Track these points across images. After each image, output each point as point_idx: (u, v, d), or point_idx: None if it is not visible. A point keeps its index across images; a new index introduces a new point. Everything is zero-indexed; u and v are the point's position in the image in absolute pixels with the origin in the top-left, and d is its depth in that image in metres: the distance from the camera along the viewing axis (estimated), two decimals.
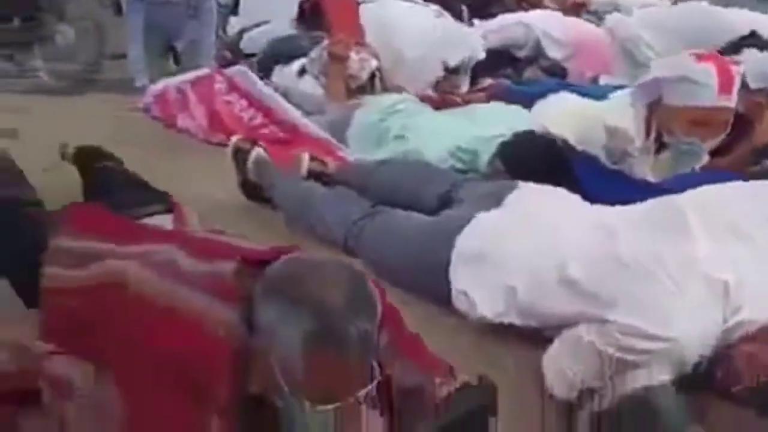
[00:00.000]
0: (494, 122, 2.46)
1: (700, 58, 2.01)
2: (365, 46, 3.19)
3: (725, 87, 1.96)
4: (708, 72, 1.96)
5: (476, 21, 4.07)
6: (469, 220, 1.69)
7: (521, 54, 3.75)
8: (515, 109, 2.60)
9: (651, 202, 1.53)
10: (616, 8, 4.21)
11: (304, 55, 3.38)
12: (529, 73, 3.67)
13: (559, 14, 3.99)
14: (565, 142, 2.18)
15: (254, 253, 1.23)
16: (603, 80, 3.29)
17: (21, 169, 2.08)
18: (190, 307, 1.16)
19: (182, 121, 3.17)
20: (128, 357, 1.18)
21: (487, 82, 3.40)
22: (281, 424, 1.10)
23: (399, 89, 3.05)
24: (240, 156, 2.29)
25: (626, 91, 2.35)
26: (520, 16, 3.97)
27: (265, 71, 3.52)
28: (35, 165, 2.12)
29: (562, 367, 1.37)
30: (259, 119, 2.98)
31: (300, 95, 3.23)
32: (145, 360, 1.15)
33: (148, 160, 2.46)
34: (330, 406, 1.06)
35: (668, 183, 1.98)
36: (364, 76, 3.09)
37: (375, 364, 1.12)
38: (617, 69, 3.37)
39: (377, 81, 3.13)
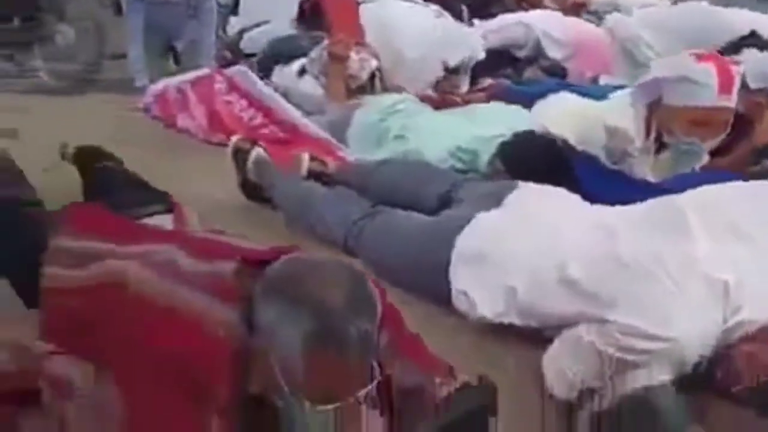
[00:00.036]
0: (494, 122, 2.46)
1: (700, 58, 2.01)
2: (365, 46, 3.19)
3: (725, 87, 1.96)
4: (708, 72, 1.96)
5: (476, 21, 4.07)
6: (469, 220, 1.69)
7: (521, 54, 3.75)
8: (515, 109, 2.60)
9: (651, 202, 1.53)
10: (616, 8, 4.21)
11: (304, 55, 3.38)
12: (529, 73, 3.66)
13: (559, 14, 4.00)
14: (565, 142, 2.18)
15: (254, 253, 1.23)
16: (603, 80, 3.29)
17: (21, 169, 2.09)
18: (190, 307, 1.16)
19: (182, 121, 3.17)
20: (128, 357, 1.18)
21: (487, 82, 3.40)
22: (281, 424, 1.10)
23: (399, 89, 3.05)
24: (240, 156, 2.29)
25: (626, 91, 2.35)
26: (519, 16, 3.97)
27: (265, 71, 3.52)
28: (35, 165, 2.12)
29: (562, 367, 1.37)
30: (259, 119, 2.98)
31: (300, 95, 3.23)
32: (145, 360, 1.15)
33: (148, 160, 2.46)
34: (330, 406, 1.06)
35: (668, 183, 1.98)
36: (364, 76, 3.08)
37: (375, 364, 1.12)
38: (617, 69, 3.37)
39: (377, 81, 3.13)
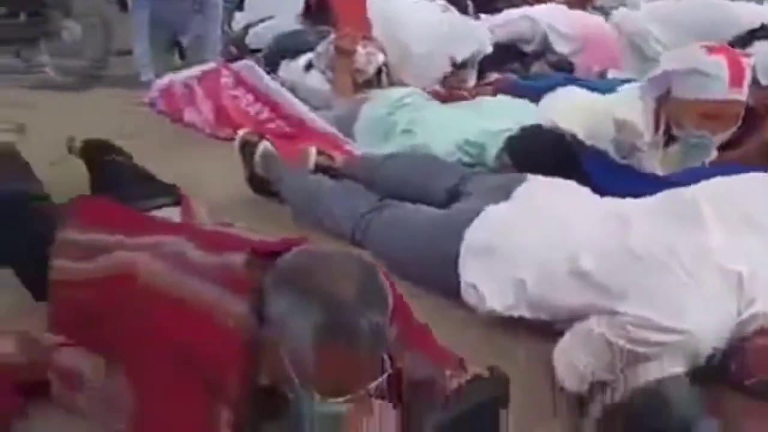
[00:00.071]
0: (502, 116, 2.45)
1: (710, 50, 1.99)
2: (372, 40, 3.17)
3: (736, 80, 1.94)
4: (719, 64, 1.94)
5: (482, 15, 4.05)
6: (478, 213, 1.68)
7: (528, 49, 3.73)
8: (522, 102, 2.59)
9: (663, 194, 1.52)
10: (622, 3, 4.19)
11: (311, 49, 3.37)
12: (536, 67, 3.64)
13: (564, 8, 3.96)
14: (573, 136, 2.17)
15: (264, 244, 1.23)
16: (611, 74, 3.28)
17: (28, 162, 2.09)
18: (200, 299, 1.15)
19: (189, 115, 3.16)
20: (138, 348, 1.18)
21: (494, 76, 3.38)
22: (291, 416, 1.09)
23: (405, 85, 3.04)
24: (247, 149, 2.28)
25: (635, 84, 2.33)
26: (525, 10, 3.94)
27: (271, 66, 3.50)
28: (42, 159, 2.12)
29: (572, 359, 1.36)
30: (265, 114, 2.97)
31: (306, 90, 3.22)
32: (156, 351, 1.15)
33: (155, 154, 2.45)
34: (340, 399, 1.05)
35: (677, 176, 1.96)
36: (371, 70, 3.07)
37: (386, 356, 1.11)
38: (625, 64, 3.36)
39: (384, 76, 3.12)
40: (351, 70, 3.05)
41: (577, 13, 3.94)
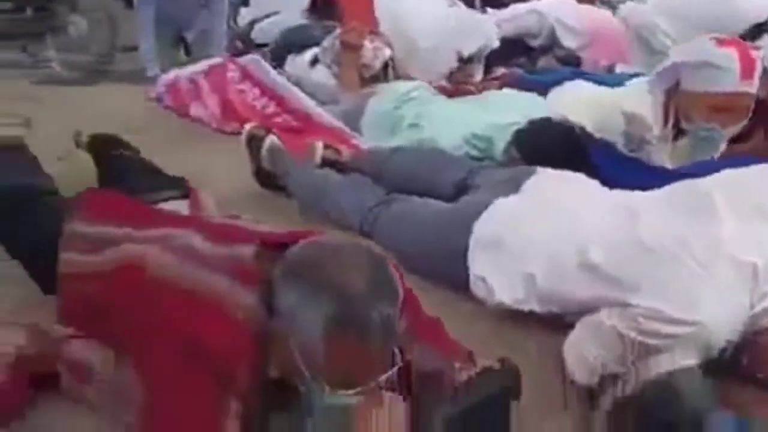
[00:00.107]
0: (509, 109, 2.44)
1: (721, 42, 1.97)
2: (379, 35, 3.17)
3: (747, 72, 1.92)
4: (730, 56, 1.92)
5: (489, 10, 4.04)
6: (487, 206, 1.67)
7: (535, 43, 3.72)
8: (530, 96, 2.58)
9: (673, 186, 1.51)
10: None
11: (317, 44, 3.36)
12: (543, 62, 3.64)
13: (572, 1, 3.94)
14: (582, 129, 2.15)
15: (273, 236, 1.22)
16: (619, 69, 3.26)
17: (36, 156, 2.09)
18: (209, 291, 1.15)
19: (195, 110, 3.16)
20: (147, 340, 1.17)
21: (501, 71, 3.37)
22: (302, 407, 1.09)
23: (412, 79, 3.03)
24: (254, 144, 2.28)
25: (643, 78, 2.32)
26: (533, 4, 3.93)
27: (277, 61, 3.51)
28: (49, 154, 2.11)
29: (583, 352, 1.35)
30: (272, 108, 2.97)
31: (313, 85, 3.22)
32: (165, 343, 1.14)
33: (162, 148, 2.45)
34: (351, 391, 1.05)
35: (686, 169, 1.95)
36: (378, 65, 3.06)
37: (396, 349, 1.11)
38: (633, 57, 3.34)
39: (390, 70, 3.11)
40: (357, 64, 3.04)
41: (585, 7, 3.93)
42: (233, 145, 2.66)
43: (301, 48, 3.47)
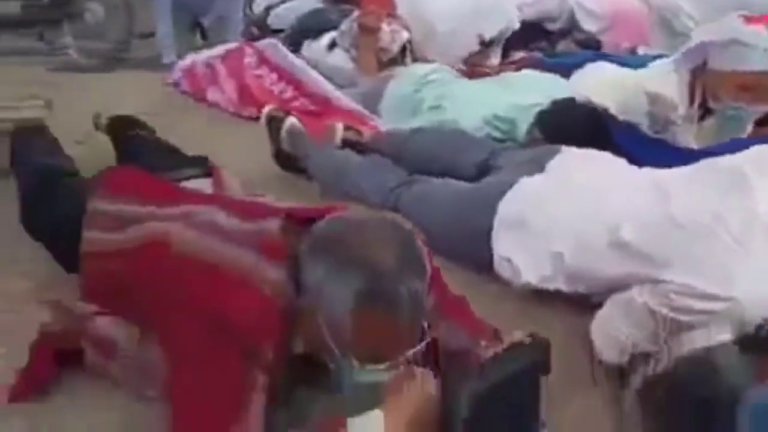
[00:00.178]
0: (532, 91, 2.41)
1: (749, 20, 1.93)
2: (396, 18, 3.14)
3: None
4: (758, 34, 1.88)
5: None
6: (511, 185, 1.65)
7: (554, 27, 3.67)
8: (553, 77, 2.55)
9: (703, 162, 1.48)
10: None
11: (334, 28, 3.34)
12: (562, 46, 3.59)
13: None
14: (605, 110, 2.12)
15: (300, 210, 1.21)
16: (641, 51, 3.21)
17: (57, 138, 2.09)
18: (235, 265, 1.14)
19: (212, 94, 3.15)
20: (171, 316, 1.16)
21: (519, 55, 3.33)
22: (331, 383, 1.08)
23: (430, 62, 3.00)
24: (274, 125, 2.26)
25: (666, 59, 2.28)
26: None
27: (294, 46, 3.48)
28: (68, 138, 2.12)
29: (612, 331, 1.33)
30: (289, 92, 2.95)
31: (330, 69, 3.19)
32: (189, 318, 1.13)
33: (179, 133, 2.44)
34: (381, 366, 1.03)
35: (712, 149, 1.91)
36: (396, 48, 3.04)
37: (425, 324, 1.09)
38: (655, 40, 3.29)
39: (408, 53, 3.08)
40: (375, 48, 3.01)
41: None
42: (251, 130, 2.66)
43: (318, 33, 3.44)
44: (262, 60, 3.09)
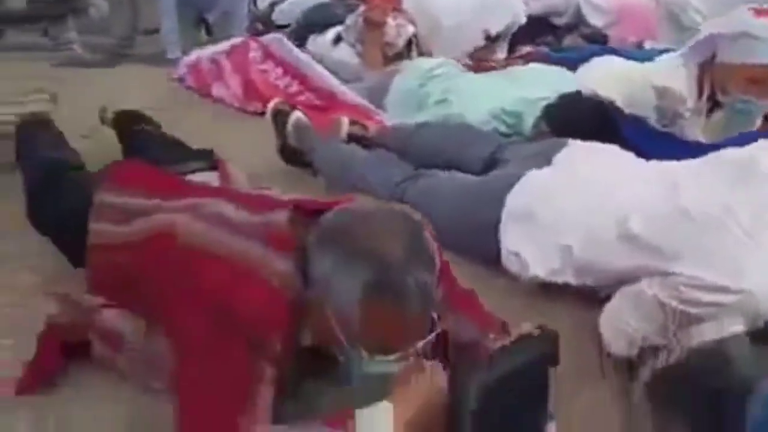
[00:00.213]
0: (538, 84, 2.39)
1: (759, 13, 1.92)
2: (402, 12, 3.13)
3: None
4: None
5: None
6: (519, 178, 1.64)
7: (561, 22, 3.66)
8: (560, 71, 2.53)
9: (712, 155, 1.47)
10: None
11: (339, 23, 3.33)
12: (568, 40, 3.58)
13: None
14: (612, 103, 2.11)
15: (307, 202, 1.20)
16: (648, 45, 3.20)
17: (62, 132, 2.09)
18: (242, 257, 1.13)
19: (217, 90, 3.14)
20: (178, 308, 1.15)
21: (526, 50, 3.32)
22: (340, 375, 1.08)
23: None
24: (279, 119, 2.25)
25: (674, 53, 2.27)
26: None
27: (299, 41, 3.47)
28: (72, 133, 2.11)
29: (621, 323, 1.32)
30: (295, 87, 2.94)
31: (335, 64, 3.18)
32: (196, 310, 1.12)
33: (184, 128, 2.43)
34: (391, 357, 1.03)
35: (721, 143, 1.90)
36: (401, 43, 3.03)
37: (435, 315, 1.09)
38: (662, 34, 3.28)
39: (414, 47, 3.07)
40: (381, 42, 3.00)
41: None
42: (256, 125, 2.65)
43: (323, 27, 3.43)
44: (267, 55, 3.08)
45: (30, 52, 4.02)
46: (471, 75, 2.66)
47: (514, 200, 1.61)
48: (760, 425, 1.01)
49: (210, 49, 3.39)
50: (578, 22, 3.63)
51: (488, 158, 1.95)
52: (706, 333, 1.11)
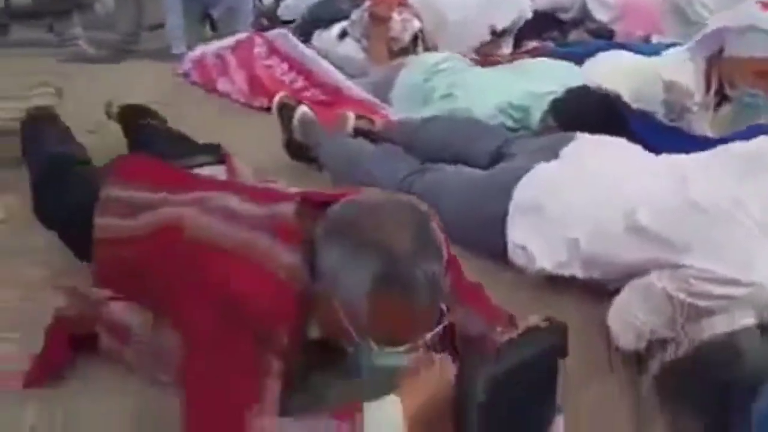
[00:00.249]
0: (546, 78, 2.38)
1: (766, 6, 1.91)
2: (408, 7, 3.12)
3: None
4: None
5: None
6: (526, 171, 1.64)
7: (567, 17, 3.65)
8: (567, 65, 2.52)
9: (721, 148, 1.47)
10: None
11: (345, 18, 3.32)
12: (574, 35, 3.57)
13: None
14: (619, 97, 2.10)
15: (314, 194, 1.20)
16: (654, 40, 3.19)
17: (68, 127, 2.09)
18: (249, 249, 1.13)
19: (222, 85, 3.14)
20: (185, 301, 1.15)
21: (532, 45, 3.31)
22: (348, 368, 1.07)
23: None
24: (285, 113, 2.25)
25: (682, 47, 2.26)
26: None
27: (304, 36, 3.47)
28: (78, 128, 2.11)
29: (629, 316, 1.31)
30: (300, 82, 2.94)
31: (341, 59, 3.17)
32: (203, 303, 1.12)
33: (189, 123, 2.42)
34: (400, 348, 1.03)
35: (729, 137, 1.89)
36: (407, 38, 3.02)
37: (443, 307, 1.08)
38: (668, 29, 3.26)
39: (420, 42, 3.06)
40: (386, 37, 3.00)
41: None
42: (261, 120, 2.65)
43: (329, 22, 3.42)
44: (273, 50, 3.08)
45: (35, 47, 4.02)
46: (477, 69, 2.65)
47: (521, 193, 1.60)
48: (766, 417, 1.00)
49: (215, 45, 3.39)
50: (584, 17, 3.61)
51: (495, 152, 1.95)
52: (717, 326, 1.11)
